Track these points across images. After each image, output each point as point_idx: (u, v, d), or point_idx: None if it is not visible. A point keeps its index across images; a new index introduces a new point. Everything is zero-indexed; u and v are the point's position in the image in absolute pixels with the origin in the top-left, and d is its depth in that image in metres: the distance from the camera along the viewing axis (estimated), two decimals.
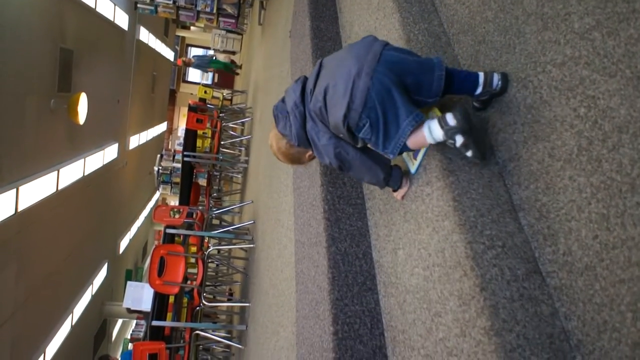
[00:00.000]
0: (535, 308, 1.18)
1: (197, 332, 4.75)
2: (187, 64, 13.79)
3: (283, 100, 1.65)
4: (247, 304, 4.49)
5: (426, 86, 1.44)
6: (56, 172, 7.78)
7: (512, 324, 1.14)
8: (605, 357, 1.05)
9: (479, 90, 1.51)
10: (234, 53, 17.40)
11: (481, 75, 1.50)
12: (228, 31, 14.00)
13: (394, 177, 1.63)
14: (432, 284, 1.39)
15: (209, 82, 18.98)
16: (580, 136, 1.19)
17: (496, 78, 1.49)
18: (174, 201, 16.35)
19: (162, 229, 5.35)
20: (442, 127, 1.37)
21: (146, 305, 6.24)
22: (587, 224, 1.14)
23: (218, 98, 10.22)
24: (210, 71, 13.16)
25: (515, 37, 1.49)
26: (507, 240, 1.30)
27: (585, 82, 1.19)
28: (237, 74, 13.56)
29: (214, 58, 13.14)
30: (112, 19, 10.24)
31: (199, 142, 7.91)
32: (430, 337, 1.36)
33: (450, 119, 1.36)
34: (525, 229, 1.35)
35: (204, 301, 4.74)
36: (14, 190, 6.35)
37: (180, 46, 21.38)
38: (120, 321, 14.18)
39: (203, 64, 13.05)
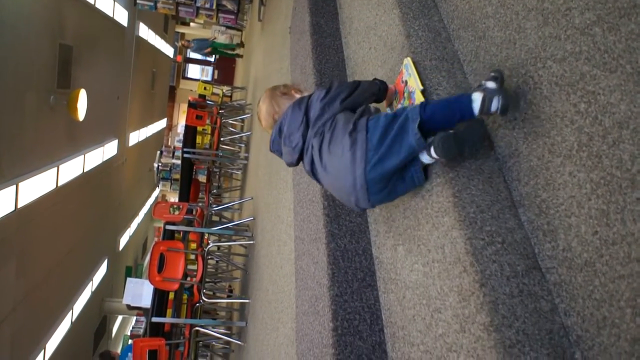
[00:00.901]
0: (535, 304, 1.18)
1: (197, 328, 4.76)
2: (186, 48, 13.60)
3: (280, 133, 1.65)
4: (247, 301, 4.50)
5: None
6: (56, 168, 7.78)
7: (511, 320, 1.14)
8: (604, 353, 1.05)
9: (476, 114, 1.38)
10: (233, 49, 17.34)
11: (476, 100, 1.36)
12: (228, 27, 13.95)
13: None
14: (432, 280, 1.39)
15: (209, 78, 18.97)
16: (580, 132, 1.19)
17: (495, 103, 1.34)
18: (173, 198, 16.35)
19: (162, 225, 5.36)
20: (433, 158, 1.40)
21: (146, 301, 6.25)
22: (586, 220, 1.14)
23: (218, 94, 10.20)
24: (208, 52, 12.85)
25: (515, 32, 1.48)
26: (507, 237, 1.30)
27: (586, 77, 1.19)
28: (240, 56, 13.23)
29: (214, 40, 12.80)
30: (111, 15, 10.22)
31: (198, 139, 7.91)
32: (429, 333, 1.36)
33: (434, 154, 1.37)
34: (525, 225, 1.35)
35: (203, 298, 4.75)
36: (14, 186, 6.35)
37: (180, 43, 21.33)
38: (120, 318, 14.20)
39: (202, 47, 12.82)
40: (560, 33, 1.29)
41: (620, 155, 1.07)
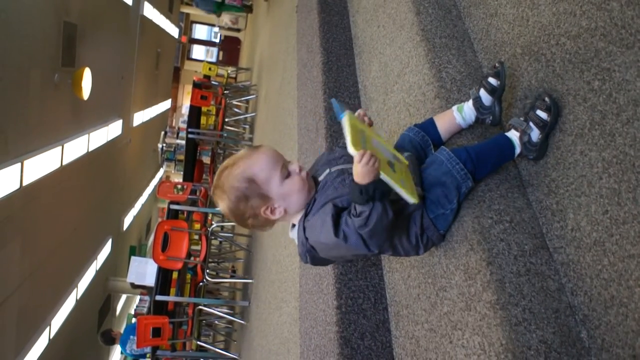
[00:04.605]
0: (542, 283, 1.18)
1: (200, 307, 4.80)
2: None
3: None
4: (250, 281, 4.52)
5: None
6: (60, 147, 7.77)
7: (518, 298, 1.14)
8: (611, 332, 1.05)
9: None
10: (238, 30, 17.19)
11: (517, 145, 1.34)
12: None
13: None
14: (438, 259, 1.38)
15: (214, 59, 18.83)
16: (593, 110, 1.17)
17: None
18: (177, 179, 16.36)
19: (166, 206, 5.36)
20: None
21: (150, 280, 6.27)
22: (597, 199, 1.13)
23: (223, 76, 10.13)
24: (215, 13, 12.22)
25: (528, 9, 1.45)
26: (515, 216, 1.29)
27: (601, 54, 1.16)
28: (250, 10, 12.53)
29: None
30: None
31: (202, 120, 7.87)
32: (434, 312, 1.36)
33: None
34: (534, 205, 1.33)
35: (207, 277, 4.78)
36: (19, 164, 6.35)
37: (185, 23, 21.13)
38: (124, 297, 14.34)
39: (206, 4, 12.15)
40: (576, 9, 1.26)
41: (635, 133, 1.05)
